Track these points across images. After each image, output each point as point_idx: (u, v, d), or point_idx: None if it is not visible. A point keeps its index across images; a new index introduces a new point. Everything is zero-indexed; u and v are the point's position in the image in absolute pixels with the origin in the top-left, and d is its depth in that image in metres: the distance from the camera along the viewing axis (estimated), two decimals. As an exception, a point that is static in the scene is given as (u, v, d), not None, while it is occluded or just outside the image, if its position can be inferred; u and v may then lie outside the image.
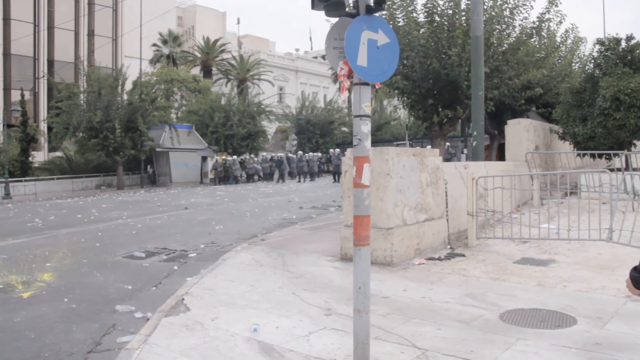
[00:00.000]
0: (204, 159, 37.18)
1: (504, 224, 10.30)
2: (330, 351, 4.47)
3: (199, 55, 54.62)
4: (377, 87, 4.53)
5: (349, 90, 4.04)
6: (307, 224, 13.05)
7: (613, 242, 8.21)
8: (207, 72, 54.01)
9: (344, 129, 52.94)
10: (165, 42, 53.99)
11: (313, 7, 3.80)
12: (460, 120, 21.07)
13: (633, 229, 7.79)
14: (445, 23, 16.11)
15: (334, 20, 4.15)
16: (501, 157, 20.22)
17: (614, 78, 12.97)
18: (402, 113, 57.76)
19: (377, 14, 3.85)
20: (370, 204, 4.07)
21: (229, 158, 36.71)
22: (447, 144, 30.41)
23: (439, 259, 8.34)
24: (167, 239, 11.29)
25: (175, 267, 8.52)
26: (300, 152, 38.53)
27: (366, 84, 3.91)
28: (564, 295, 6.08)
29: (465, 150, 25.78)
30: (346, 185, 8.53)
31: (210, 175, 37.18)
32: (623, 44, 13.75)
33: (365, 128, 3.90)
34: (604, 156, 14.31)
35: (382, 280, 6.79)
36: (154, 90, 33.27)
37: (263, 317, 5.39)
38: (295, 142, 49.73)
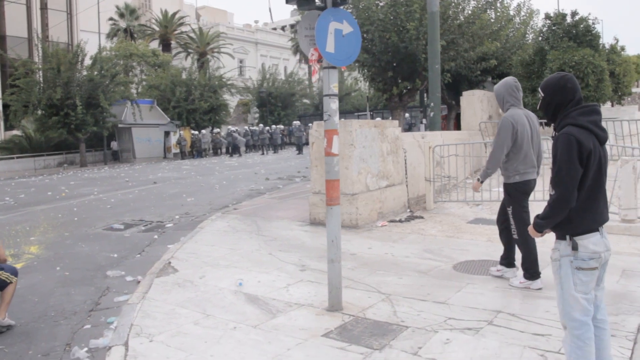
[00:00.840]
0: (167, 134, 37.23)
1: (459, 189, 11.19)
2: (307, 298, 5.19)
3: (157, 29, 53.79)
4: (342, 69, 5.16)
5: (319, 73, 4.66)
6: (275, 193, 13.70)
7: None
8: (165, 46, 53.28)
9: (306, 101, 53.37)
10: (122, 15, 52.95)
11: (287, 1, 4.40)
12: (419, 91, 21.90)
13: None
14: (403, -2, 16.75)
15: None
16: (458, 126, 21.19)
17: (560, 51, 13.91)
18: (363, 85, 58.59)
19: (342, 7, 4.47)
20: (339, 171, 4.76)
21: (203, 132, 36.95)
22: (407, 114, 31.27)
23: (400, 221, 9.13)
24: (142, 212, 11.78)
25: (156, 237, 9.09)
26: (261, 125, 38.89)
27: (334, 67, 4.56)
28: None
29: (424, 121, 26.67)
30: (314, 156, 9.19)
31: (174, 150, 37.32)
32: (568, 19, 14.68)
33: (334, 105, 4.56)
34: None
35: (349, 241, 7.53)
36: (114, 66, 32.95)
37: (245, 274, 6.07)
38: (257, 115, 49.92)
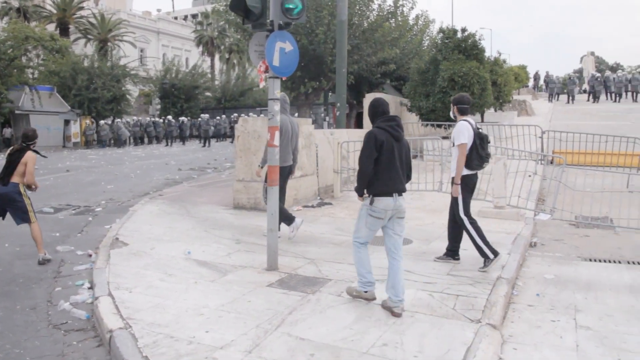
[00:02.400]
0: (67, 122, 36.32)
1: (362, 180, 12.75)
2: (247, 263, 6.38)
3: (55, 11, 51.60)
4: (283, 79, 6.38)
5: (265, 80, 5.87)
6: (192, 182, 14.61)
7: (443, 192, 10.89)
8: (63, 30, 51.15)
9: (208, 94, 53.60)
10: (14, -7, 50.24)
11: (244, 23, 5.57)
12: (323, 91, 23.44)
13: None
14: (313, 4, 18.10)
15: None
16: (359, 124, 22.97)
17: (450, 62, 15.91)
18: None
19: (285, 31, 5.70)
20: (278, 159, 5.99)
21: (104, 122, 36.37)
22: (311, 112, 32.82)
23: (312, 206, 10.49)
24: (65, 197, 12.29)
25: (90, 219, 9.83)
26: (170, 117, 38.91)
27: (277, 77, 5.78)
28: (406, 229, 8.47)
29: (327, 118, 28.38)
30: (239, 147, 10.32)
31: (74, 139, 36.51)
32: (459, 34, 16.74)
33: (276, 107, 5.79)
34: (443, 126, 17.37)
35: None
36: (11, 50, 31.73)
37: (190, 246, 7.15)
38: (159, 107, 49.51)
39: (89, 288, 5.79)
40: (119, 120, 37.26)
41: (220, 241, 7.50)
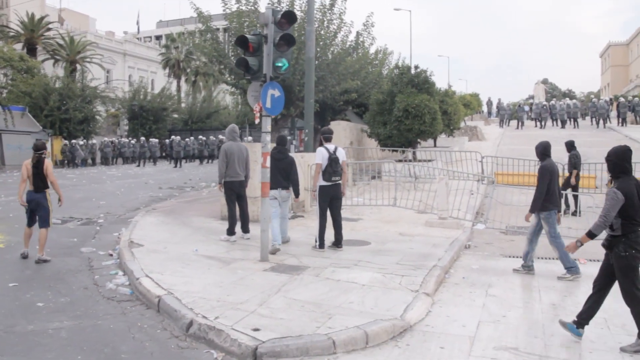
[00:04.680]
0: (38, 142, 37.26)
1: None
2: (244, 257, 8.23)
3: (22, 32, 52.36)
4: (273, 117, 8.30)
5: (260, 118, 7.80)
6: (177, 199, 16.31)
7: (397, 207, 12.94)
8: (30, 50, 51.99)
9: (175, 115, 55.04)
10: (-21, 14, 50.79)
11: (244, 77, 7.49)
12: (291, 117, 25.44)
13: (409, 198, 12.58)
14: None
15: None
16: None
17: (405, 95, 18.15)
18: (230, 102, 61.60)
19: (275, 81, 7.66)
20: (269, 177, 7.90)
21: (80, 142, 37.50)
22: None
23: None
24: (65, 211, 13.72)
25: (97, 228, 11.49)
26: (143, 139, 40.17)
27: (268, 115, 7.71)
28: (365, 234, 10.46)
29: (293, 142, 30.40)
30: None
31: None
32: (412, 71, 19.04)
33: (267, 138, 7.72)
34: (399, 151, 19.55)
35: (256, 229, 10.61)
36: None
37: (195, 246, 8.95)
38: (127, 128, 50.66)
39: (123, 275, 7.53)
40: (74, 141, 38.29)
41: (217, 243, 9.34)
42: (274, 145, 8.92)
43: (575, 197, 13.36)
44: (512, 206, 12.79)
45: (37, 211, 8.72)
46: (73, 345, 5.05)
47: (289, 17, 7.63)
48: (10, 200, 16.03)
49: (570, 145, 13.62)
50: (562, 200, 11.99)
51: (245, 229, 9.82)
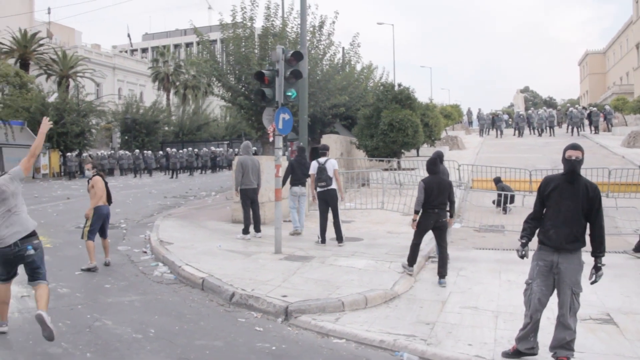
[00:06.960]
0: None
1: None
2: (260, 250, 9.97)
3: (15, 47, 53.59)
4: (284, 135, 10.06)
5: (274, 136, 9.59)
6: (185, 207, 17.97)
7: (384, 210, 14.77)
8: (23, 65, 53.23)
9: (167, 128, 56.63)
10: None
11: (261, 103, 9.27)
12: (284, 130, 27.20)
13: (394, 202, 14.42)
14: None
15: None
16: (313, 157, 26.74)
17: (389, 111, 20.07)
18: (219, 114, 63.35)
19: (286, 106, 9.45)
20: (281, 185, 9.67)
21: (84, 155, 38.97)
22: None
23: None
24: (88, 218, 15.42)
25: (124, 231, 13.14)
26: (137, 151, 41.68)
27: (280, 134, 9.49)
28: (358, 233, 12.25)
29: (286, 153, 32.15)
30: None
31: (43, 171, 38.92)
32: (396, 88, 21.00)
33: (279, 152, 9.50)
34: (385, 160, 21.41)
35: (264, 229, 12.36)
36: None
37: (217, 243, 10.66)
38: (119, 141, 52.17)
39: (164, 265, 9.22)
40: (69, 154, 39.73)
41: (235, 240, 11.08)
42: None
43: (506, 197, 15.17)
44: (484, 207, 14.65)
45: (105, 223, 9.68)
46: (148, 310, 6.77)
47: (297, 56, 9.45)
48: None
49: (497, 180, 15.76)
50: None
51: (258, 229, 11.55)
